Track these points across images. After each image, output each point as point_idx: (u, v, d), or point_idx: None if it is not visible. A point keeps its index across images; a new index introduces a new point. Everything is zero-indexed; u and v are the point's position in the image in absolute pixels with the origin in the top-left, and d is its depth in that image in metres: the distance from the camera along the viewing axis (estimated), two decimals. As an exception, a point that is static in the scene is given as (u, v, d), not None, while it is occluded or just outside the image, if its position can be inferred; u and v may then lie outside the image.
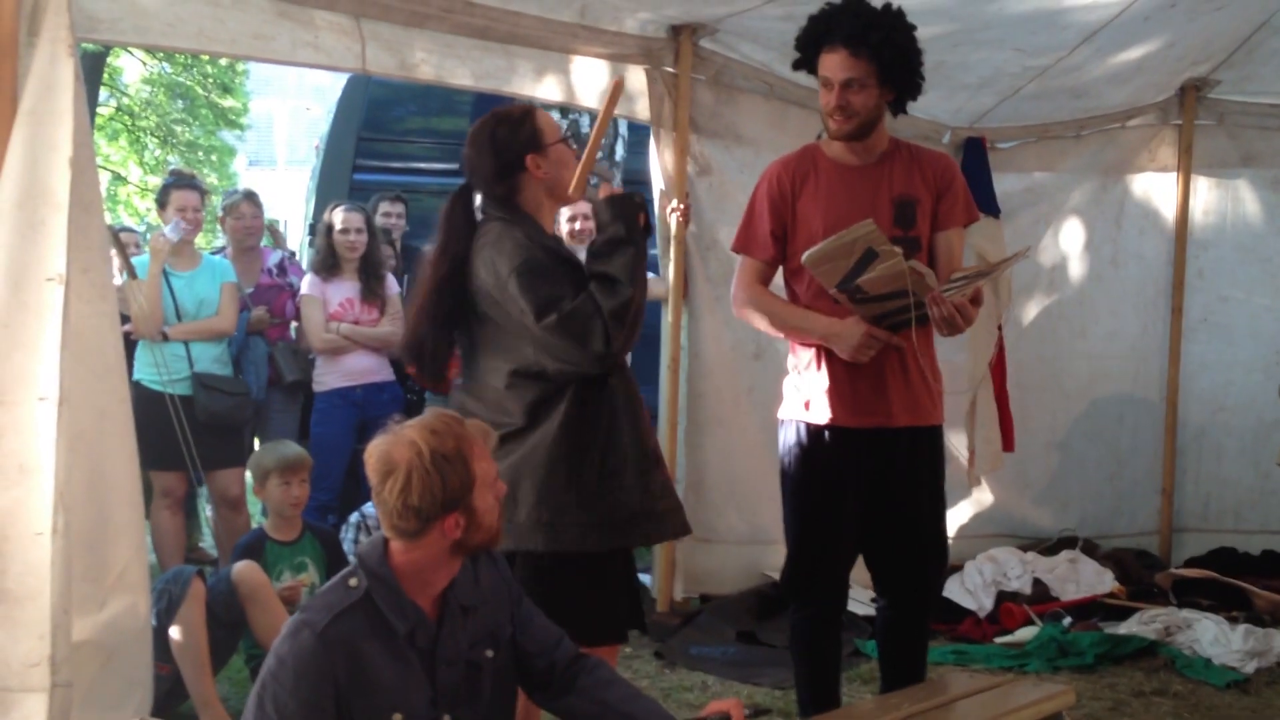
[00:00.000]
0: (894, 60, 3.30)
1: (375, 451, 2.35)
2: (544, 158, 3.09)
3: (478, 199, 3.18)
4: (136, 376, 5.21)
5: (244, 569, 4.09)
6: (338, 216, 5.69)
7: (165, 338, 5.25)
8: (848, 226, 3.28)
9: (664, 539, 3.02)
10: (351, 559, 4.73)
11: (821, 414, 3.47)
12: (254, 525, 5.74)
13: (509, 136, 3.09)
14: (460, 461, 2.34)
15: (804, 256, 3.29)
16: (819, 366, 3.49)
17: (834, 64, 3.33)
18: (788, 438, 3.58)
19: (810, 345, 3.51)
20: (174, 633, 3.82)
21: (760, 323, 3.59)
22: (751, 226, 3.55)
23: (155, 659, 3.63)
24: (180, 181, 5.64)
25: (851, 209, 3.39)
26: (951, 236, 3.52)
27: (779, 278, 3.63)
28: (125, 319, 5.09)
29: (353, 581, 2.37)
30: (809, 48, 3.41)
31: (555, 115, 6.44)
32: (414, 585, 2.39)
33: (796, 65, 3.48)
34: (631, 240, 2.99)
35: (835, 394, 3.46)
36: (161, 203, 5.56)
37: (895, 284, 3.23)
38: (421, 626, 2.39)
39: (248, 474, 4.94)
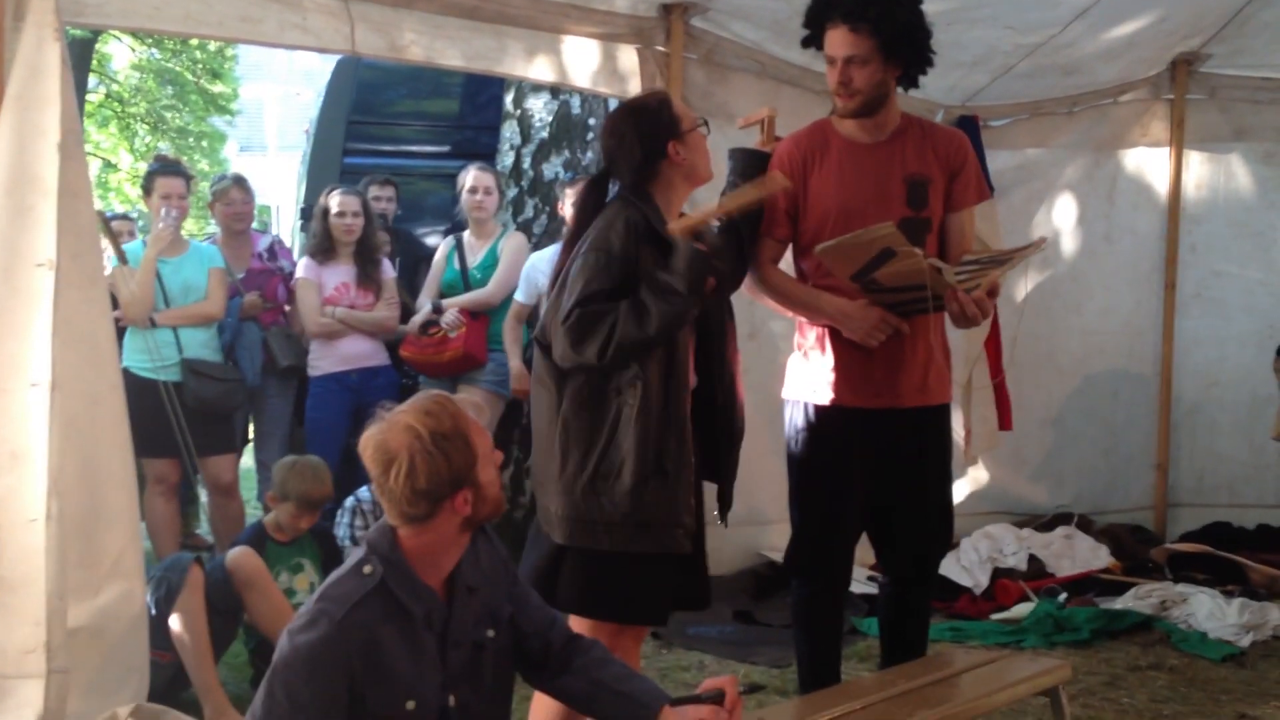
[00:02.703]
0: (896, 35, 3.28)
1: (371, 442, 2.32)
2: (683, 144, 3.13)
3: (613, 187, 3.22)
4: (126, 363, 5.18)
5: (239, 555, 4.08)
6: (334, 200, 5.67)
7: (154, 324, 5.23)
8: (861, 205, 3.29)
9: (644, 550, 3.00)
10: (345, 544, 4.75)
11: (829, 394, 3.47)
12: (247, 511, 5.75)
13: (652, 125, 3.12)
14: (460, 438, 2.33)
15: (818, 248, 3.28)
16: (827, 347, 3.48)
17: (836, 41, 3.32)
18: (794, 417, 3.57)
19: (819, 325, 3.51)
20: (173, 621, 3.81)
21: (771, 301, 3.59)
22: (765, 204, 3.53)
23: (155, 647, 3.63)
24: (165, 168, 5.62)
25: (864, 188, 3.38)
26: (964, 217, 3.52)
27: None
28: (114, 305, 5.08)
29: (367, 569, 2.34)
30: (814, 25, 3.40)
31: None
32: (426, 568, 2.38)
33: (806, 43, 3.46)
34: (686, 300, 2.98)
35: (844, 374, 3.45)
36: (147, 190, 5.54)
37: (913, 279, 3.22)
38: (436, 609, 2.38)
39: (242, 461, 4.93)
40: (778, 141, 3.60)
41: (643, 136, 3.10)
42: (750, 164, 3.53)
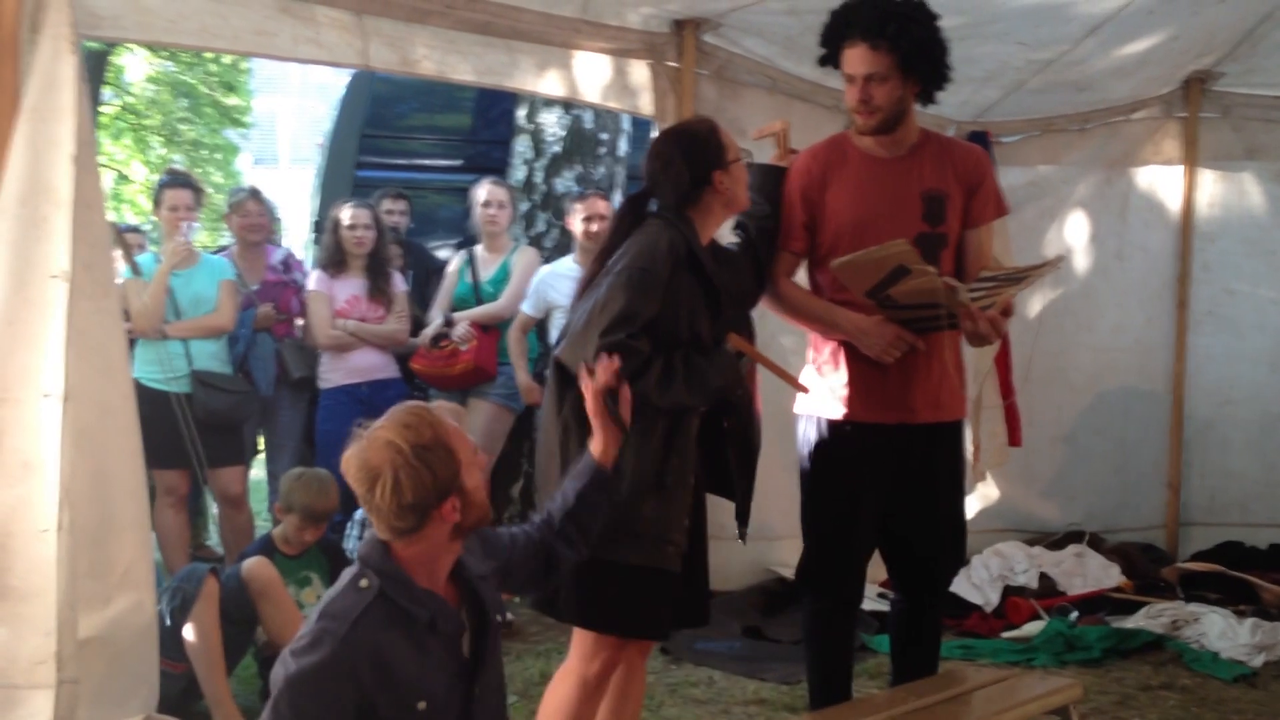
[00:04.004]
0: (914, 51, 3.28)
1: (354, 461, 2.32)
2: (727, 174, 3.16)
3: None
4: (137, 375, 5.19)
5: (255, 565, 4.10)
6: (345, 213, 5.69)
7: (164, 335, 5.24)
8: (876, 219, 3.29)
9: (634, 561, 3.01)
10: (353, 557, 4.74)
11: (843, 409, 3.47)
12: (256, 524, 5.75)
13: (700, 152, 3.15)
14: (441, 448, 2.33)
15: (832, 264, 3.29)
16: (841, 361, 3.48)
17: (854, 59, 3.32)
18: (807, 432, 3.57)
19: (833, 340, 3.50)
20: (187, 631, 3.82)
21: (785, 315, 3.58)
22: (782, 218, 3.53)
23: (169, 657, 3.64)
24: (174, 180, 5.65)
25: (881, 203, 3.38)
26: (981, 234, 3.52)
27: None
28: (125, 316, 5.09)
29: (363, 583, 2.34)
30: (831, 44, 3.40)
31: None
32: (423, 575, 2.38)
33: (823, 61, 3.46)
34: (703, 399, 3.06)
35: (857, 389, 3.45)
36: (157, 202, 5.57)
37: (928, 297, 3.22)
38: (440, 611, 2.38)
39: (253, 473, 4.93)
40: (793, 155, 3.60)
41: (690, 163, 3.12)
42: (767, 179, 3.53)
